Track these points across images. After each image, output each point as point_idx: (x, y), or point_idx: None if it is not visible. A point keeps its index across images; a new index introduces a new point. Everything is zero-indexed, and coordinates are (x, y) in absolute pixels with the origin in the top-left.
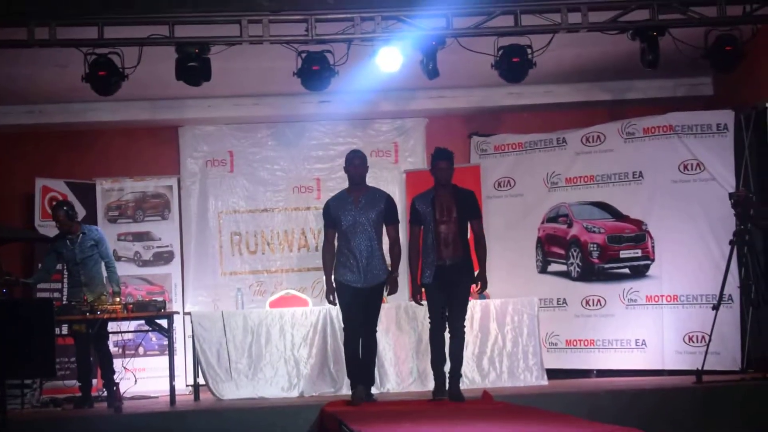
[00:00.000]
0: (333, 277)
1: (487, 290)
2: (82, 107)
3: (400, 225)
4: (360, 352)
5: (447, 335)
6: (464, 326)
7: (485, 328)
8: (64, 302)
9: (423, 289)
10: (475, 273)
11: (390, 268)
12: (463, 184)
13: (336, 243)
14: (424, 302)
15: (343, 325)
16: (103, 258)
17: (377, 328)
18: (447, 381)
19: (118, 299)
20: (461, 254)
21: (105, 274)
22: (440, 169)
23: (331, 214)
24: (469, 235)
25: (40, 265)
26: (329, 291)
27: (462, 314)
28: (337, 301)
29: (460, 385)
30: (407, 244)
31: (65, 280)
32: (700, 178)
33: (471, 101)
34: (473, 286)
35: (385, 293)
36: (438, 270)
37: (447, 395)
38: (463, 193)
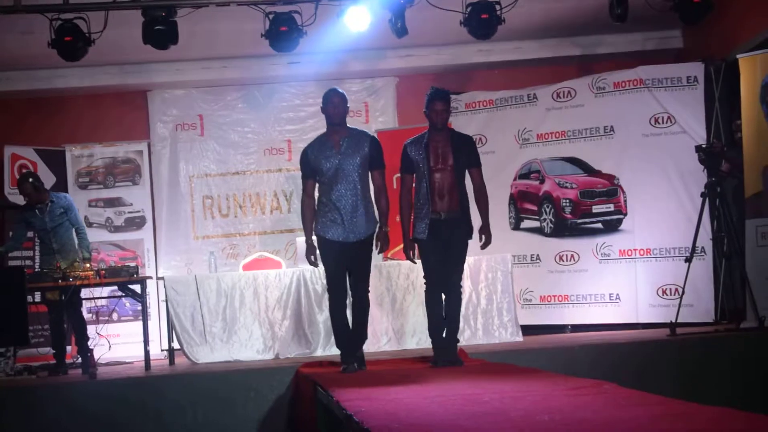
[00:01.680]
0: (314, 233)
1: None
2: (49, 73)
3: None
4: (351, 317)
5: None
6: (461, 285)
7: None
8: (36, 270)
9: (416, 245)
10: (474, 227)
11: (378, 220)
12: None
13: (316, 195)
14: (419, 260)
15: (327, 287)
16: (73, 224)
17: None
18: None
19: (88, 265)
20: (457, 206)
21: (76, 240)
22: (436, 111)
23: (310, 162)
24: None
25: (11, 233)
26: (309, 250)
27: (459, 271)
28: (318, 261)
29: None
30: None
31: (37, 248)
32: (671, 131)
33: (441, 59)
34: (478, 241)
35: (375, 250)
36: (432, 224)
37: (445, 362)
38: (460, 138)
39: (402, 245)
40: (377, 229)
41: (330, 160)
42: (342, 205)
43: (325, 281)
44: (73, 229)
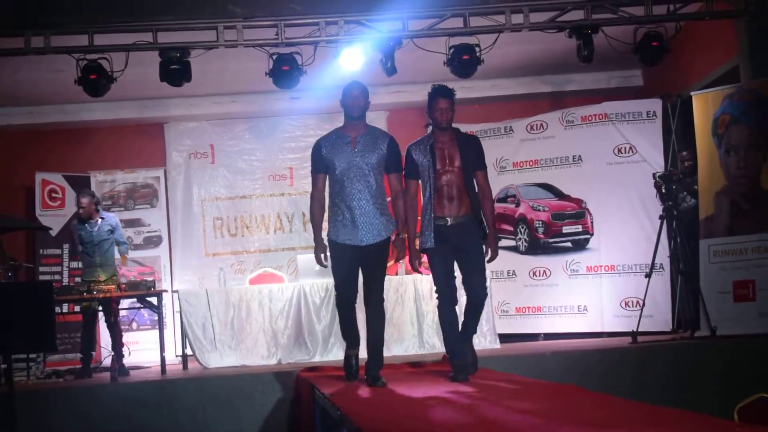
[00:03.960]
0: (324, 233)
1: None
2: (76, 107)
3: None
4: (366, 335)
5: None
6: (486, 289)
7: None
8: (77, 280)
9: (423, 255)
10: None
11: (395, 226)
12: None
13: (326, 192)
14: (427, 271)
15: (336, 293)
16: (118, 241)
17: (384, 298)
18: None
19: (124, 256)
20: (467, 211)
21: (117, 255)
22: (440, 110)
23: (322, 156)
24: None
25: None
26: (319, 248)
27: (481, 276)
28: (328, 263)
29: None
30: None
31: (65, 264)
32: (633, 160)
33: (426, 95)
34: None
35: (391, 259)
36: (438, 231)
37: (465, 377)
38: (466, 139)
39: (394, 261)
40: (394, 236)
41: (344, 156)
42: (356, 205)
43: (323, 294)
44: (116, 246)
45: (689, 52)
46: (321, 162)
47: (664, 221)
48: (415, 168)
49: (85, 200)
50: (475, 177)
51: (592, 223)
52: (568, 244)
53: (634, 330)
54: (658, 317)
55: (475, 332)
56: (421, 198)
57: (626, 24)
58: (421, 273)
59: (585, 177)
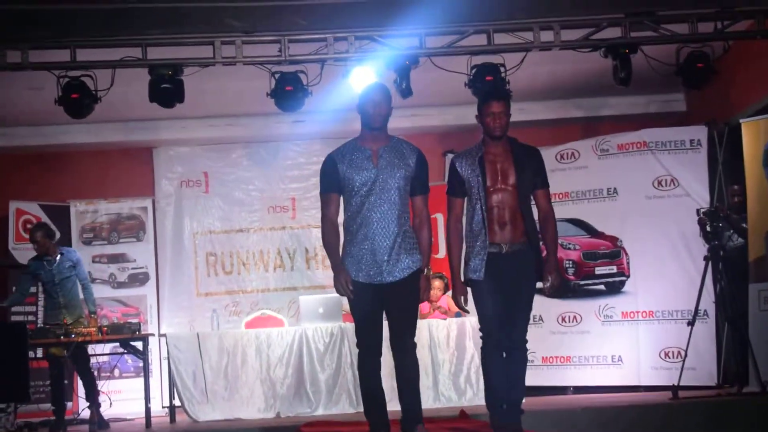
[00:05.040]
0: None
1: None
2: (55, 130)
3: None
4: (396, 379)
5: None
6: (526, 340)
7: (461, 346)
8: (40, 325)
9: (469, 288)
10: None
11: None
12: (437, 201)
13: (342, 217)
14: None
15: (357, 342)
16: (80, 279)
17: (416, 342)
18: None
19: (94, 317)
20: (522, 236)
21: (82, 296)
22: (492, 114)
23: (338, 172)
24: None
25: (14, 288)
26: (338, 275)
27: (525, 322)
28: (350, 290)
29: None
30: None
31: (39, 304)
32: (675, 194)
33: (445, 119)
34: (542, 282)
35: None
36: (491, 260)
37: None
38: (523, 150)
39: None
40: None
41: (365, 174)
42: (378, 233)
43: (327, 340)
44: (79, 286)
45: (738, 74)
46: (335, 180)
47: (709, 263)
48: (461, 184)
49: (38, 234)
50: (535, 197)
51: (628, 263)
52: (602, 286)
53: (675, 384)
54: (702, 370)
55: (522, 397)
56: (468, 220)
57: (668, 43)
58: (466, 312)
59: (621, 212)
